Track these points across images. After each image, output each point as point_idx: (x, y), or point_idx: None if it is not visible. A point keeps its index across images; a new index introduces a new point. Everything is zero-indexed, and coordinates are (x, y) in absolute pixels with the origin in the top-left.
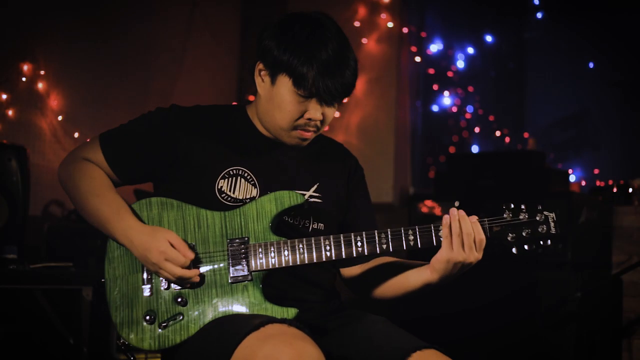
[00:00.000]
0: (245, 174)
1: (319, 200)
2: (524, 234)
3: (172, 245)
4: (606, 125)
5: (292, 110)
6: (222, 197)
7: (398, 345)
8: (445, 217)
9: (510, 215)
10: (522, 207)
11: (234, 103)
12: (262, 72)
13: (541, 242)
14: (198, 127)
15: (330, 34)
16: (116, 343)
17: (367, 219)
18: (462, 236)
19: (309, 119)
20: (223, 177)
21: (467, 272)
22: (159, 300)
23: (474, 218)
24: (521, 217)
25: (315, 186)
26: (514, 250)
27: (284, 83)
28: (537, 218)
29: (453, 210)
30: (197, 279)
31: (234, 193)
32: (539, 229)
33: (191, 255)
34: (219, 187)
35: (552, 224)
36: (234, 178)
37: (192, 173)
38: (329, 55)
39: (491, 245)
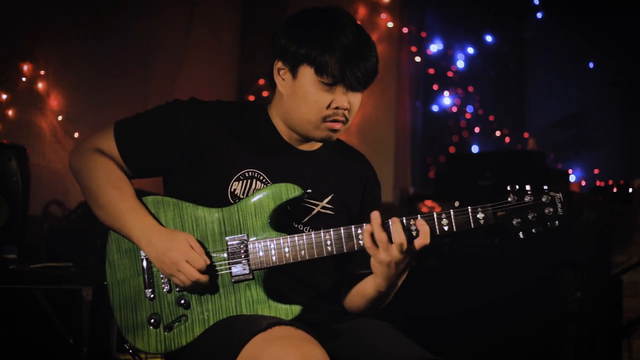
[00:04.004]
0: (261, 177)
1: (331, 213)
2: (530, 217)
3: (192, 248)
4: (606, 125)
5: (317, 100)
6: (235, 201)
7: (403, 355)
8: (366, 226)
9: (515, 198)
10: (527, 188)
11: (251, 97)
12: (282, 71)
13: (548, 224)
14: (217, 124)
15: (347, 20)
16: (117, 343)
17: None
18: (385, 241)
19: (337, 108)
20: (237, 179)
21: (468, 273)
22: (162, 303)
23: (395, 220)
24: (526, 199)
25: (330, 197)
26: (520, 235)
27: (306, 73)
28: (543, 199)
29: (374, 215)
30: (207, 284)
31: (247, 197)
32: (546, 211)
33: (208, 261)
34: (232, 189)
35: (559, 205)
36: (249, 180)
37: (206, 171)
38: (349, 39)
39: (488, 244)
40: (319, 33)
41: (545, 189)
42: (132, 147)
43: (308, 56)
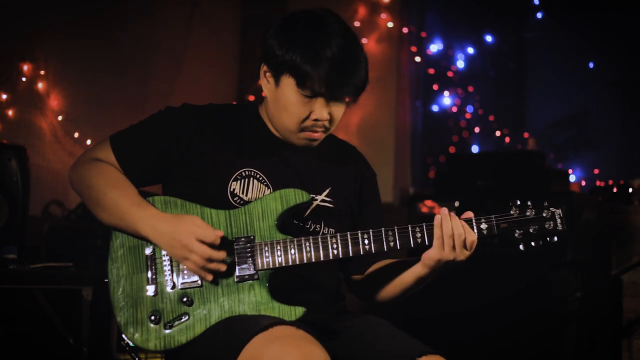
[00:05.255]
0: (258, 176)
1: (331, 205)
2: (531, 230)
3: (198, 226)
4: (606, 125)
5: (297, 111)
6: (235, 201)
7: (403, 351)
8: (437, 217)
9: (517, 211)
10: (529, 203)
11: (251, 97)
12: (267, 74)
13: (548, 239)
14: (210, 127)
15: (334, 30)
16: (117, 343)
17: (377, 226)
18: (453, 237)
19: (316, 120)
20: (235, 179)
21: (468, 273)
22: (164, 300)
23: (470, 214)
24: (528, 213)
25: (327, 190)
26: (521, 246)
27: (288, 84)
28: (544, 214)
29: (444, 210)
30: (224, 267)
31: (246, 195)
32: (546, 225)
33: (220, 232)
34: (232, 189)
35: (558, 220)
36: (247, 180)
37: (204, 174)
38: (333, 52)
39: (488, 243)
40: (303, 44)
41: (546, 205)
42: (131, 158)
43: (290, 67)
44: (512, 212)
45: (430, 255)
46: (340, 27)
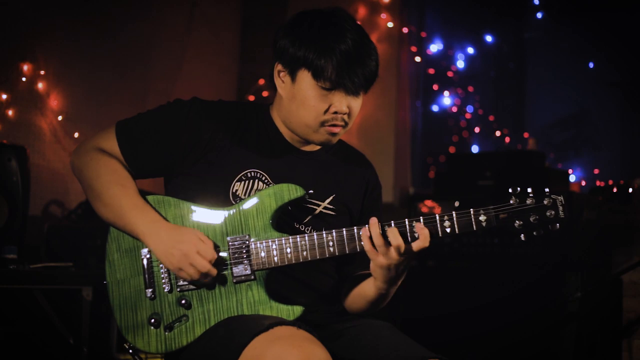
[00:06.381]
0: (263, 178)
1: (333, 213)
2: (531, 219)
3: (201, 240)
4: (606, 125)
5: (316, 105)
6: (236, 202)
7: (404, 353)
8: (364, 230)
9: (517, 200)
10: (529, 191)
11: (251, 97)
12: (281, 73)
13: (550, 227)
14: (219, 123)
15: (347, 24)
16: (117, 343)
17: None
18: (385, 245)
19: (336, 112)
20: (240, 180)
21: (468, 273)
22: (163, 303)
23: (392, 225)
24: (528, 202)
25: (331, 198)
26: (522, 237)
27: (304, 78)
28: (545, 202)
29: (372, 221)
30: (214, 277)
31: (248, 197)
32: (547, 214)
33: (216, 255)
34: (234, 190)
35: (560, 208)
36: (251, 181)
37: (207, 172)
38: (348, 45)
39: (488, 243)
40: (318, 37)
41: (547, 192)
42: (134, 147)
43: (306, 60)
44: (511, 201)
45: (372, 266)
46: (351, 22)
